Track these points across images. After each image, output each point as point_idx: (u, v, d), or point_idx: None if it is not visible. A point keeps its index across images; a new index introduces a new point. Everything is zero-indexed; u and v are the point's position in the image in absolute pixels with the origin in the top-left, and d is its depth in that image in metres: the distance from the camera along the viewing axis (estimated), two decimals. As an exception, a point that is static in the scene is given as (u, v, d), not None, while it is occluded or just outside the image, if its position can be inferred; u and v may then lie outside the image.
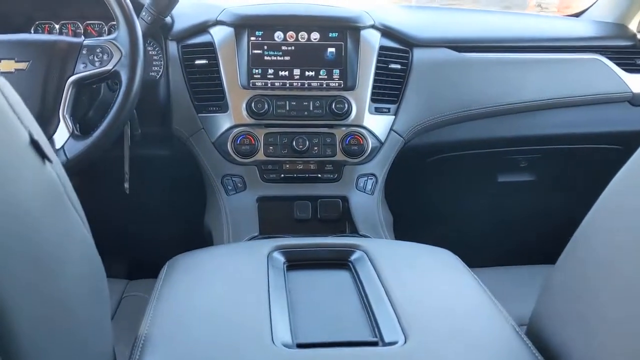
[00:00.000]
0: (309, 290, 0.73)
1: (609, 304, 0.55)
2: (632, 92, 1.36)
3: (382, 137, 1.24)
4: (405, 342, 0.61)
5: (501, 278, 1.10)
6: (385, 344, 0.62)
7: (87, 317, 0.51)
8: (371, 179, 1.22)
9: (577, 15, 1.64)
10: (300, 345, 0.61)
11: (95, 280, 0.55)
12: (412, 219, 1.42)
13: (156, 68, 1.23)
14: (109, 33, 1.27)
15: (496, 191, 1.50)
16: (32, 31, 1.27)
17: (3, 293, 0.37)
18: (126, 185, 1.18)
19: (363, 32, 1.25)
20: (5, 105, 0.44)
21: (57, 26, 1.27)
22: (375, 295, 0.70)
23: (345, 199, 1.18)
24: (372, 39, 1.26)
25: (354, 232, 1.13)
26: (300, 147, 1.20)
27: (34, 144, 0.46)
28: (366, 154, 1.22)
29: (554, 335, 0.62)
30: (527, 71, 1.34)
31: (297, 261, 0.78)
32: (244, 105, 1.20)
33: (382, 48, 1.26)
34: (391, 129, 1.25)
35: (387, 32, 1.28)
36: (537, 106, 1.34)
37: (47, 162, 0.48)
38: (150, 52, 1.23)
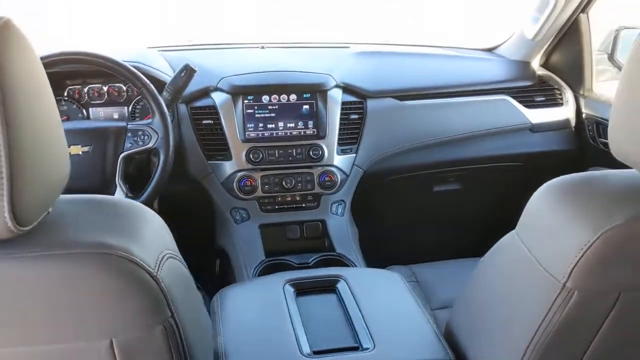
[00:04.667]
0: (313, 310, 1.12)
1: (505, 323, 0.91)
2: (531, 122, 1.81)
3: (347, 171, 1.66)
4: (374, 347, 1.01)
5: (437, 271, 1.54)
6: (362, 349, 1.01)
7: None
8: (341, 204, 1.65)
9: (491, 50, 2.07)
10: (316, 352, 1.01)
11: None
12: (374, 227, 1.85)
13: None
14: (126, 93, 1.62)
15: (432, 199, 1.95)
16: (65, 94, 1.61)
17: None
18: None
19: (330, 92, 1.66)
20: None
21: (85, 89, 1.62)
22: (353, 313, 1.10)
23: (323, 222, 1.61)
24: (336, 96, 1.66)
25: (332, 247, 1.55)
26: (288, 184, 1.61)
27: None
28: (337, 186, 1.64)
29: (465, 339, 1.04)
30: (452, 112, 1.78)
31: (302, 289, 1.19)
32: (243, 155, 1.60)
33: (344, 103, 1.67)
34: (353, 164, 1.68)
35: (346, 88, 1.69)
36: (461, 138, 1.79)
37: None
38: None
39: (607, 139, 1.70)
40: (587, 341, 0.83)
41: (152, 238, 0.69)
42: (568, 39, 1.83)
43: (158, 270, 0.67)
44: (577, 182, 0.84)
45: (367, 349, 1.02)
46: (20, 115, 0.54)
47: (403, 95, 1.75)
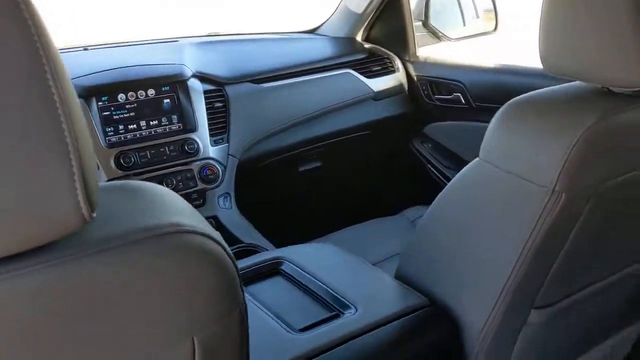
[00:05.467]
0: (271, 295, 1.06)
1: (486, 245, 0.95)
2: (374, 91, 1.92)
3: (224, 162, 1.58)
4: (356, 309, 0.99)
5: (347, 237, 1.56)
6: (346, 315, 0.98)
7: None
8: (227, 196, 1.56)
9: (313, 31, 2.14)
10: (304, 329, 0.95)
11: None
12: (265, 212, 1.78)
13: None
14: None
15: (299, 178, 1.96)
16: None
17: None
18: None
19: (188, 82, 1.55)
20: None
21: None
22: (315, 286, 1.05)
23: (215, 218, 1.51)
24: (196, 86, 1.57)
25: (237, 240, 1.46)
26: (170, 185, 1.47)
27: None
28: (219, 179, 1.54)
29: (420, 280, 1.08)
30: (303, 90, 1.80)
31: (245, 279, 1.10)
32: (112, 162, 1.41)
33: (205, 92, 1.58)
34: (228, 154, 1.60)
35: (203, 77, 1.60)
36: (316, 115, 1.82)
37: None
38: None
39: (442, 95, 1.90)
40: (565, 240, 0.92)
41: (194, 212, 0.58)
42: (389, 11, 1.98)
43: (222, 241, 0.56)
44: (536, 99, 0.92)
45: (350, 312, 0.99)
46: (69, 93, 0.44)
47: (258, 78, 1.72)
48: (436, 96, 1.92)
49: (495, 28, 2.04)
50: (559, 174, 0.83)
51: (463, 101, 1.82)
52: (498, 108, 1.80)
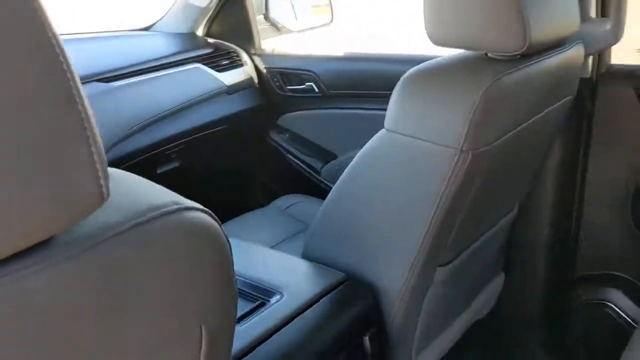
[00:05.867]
0: None
1: (398, 209, 1.01)
2: (226, 85, 1.89)
3: None
4: (282, 295, 0.97)
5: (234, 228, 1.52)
6: (272, 302, 0.96)
7: None
8: None
9: (148, 28, 2.05)
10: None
11: None
12: None
13: None
14: None
15: (158, 182, 1.84)
16: None
17: None
18: None
19: None
20: None
21: None
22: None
23: None
24: None
25: None
26: None
27: None
28: None
29: (332, 257, 1.09)
30: (157, 87, 1.71)
31: None
32: None
33: None
34: None
35: None
36: (173, 112, 1.74)
37: None
38: None
39: (294, 86, 1.93)
40: (469, 195, 1.00)
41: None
42: (230, 5, 1.96)
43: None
44: (431, 69, 0.99)
45: (277, 298, 0.97)
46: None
47: (106, 77, 1.59)
48: (288, 87, 1.95)
49: (332, 20, 2.13)
50: (465, 134, 0.90)
51: (316, 89, 1.87)
52: (352, 94, 1.89)
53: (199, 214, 0.48)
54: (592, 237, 1.54)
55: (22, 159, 0.37)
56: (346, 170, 1.07)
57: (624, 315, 1.53)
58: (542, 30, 0.94)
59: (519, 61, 0.97)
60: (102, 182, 0.41)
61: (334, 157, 1.88)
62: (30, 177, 0.37)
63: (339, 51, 1.88)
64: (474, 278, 1.34)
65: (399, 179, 1.00)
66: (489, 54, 1.01)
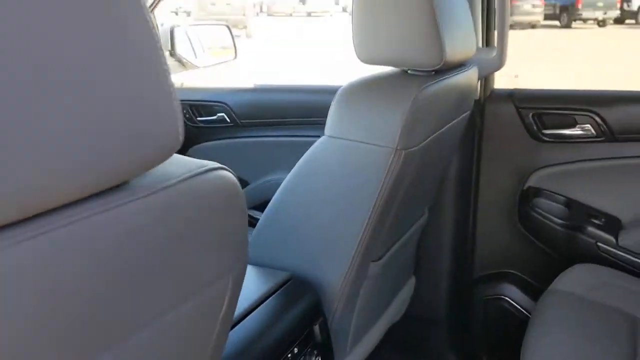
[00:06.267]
0: None
1: (341, 204, 1.11)
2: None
3: None
4: None
5: None
6: None
7: None
8: None
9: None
10: None
11: None
12: None
13: None
14: None
15: None
16: None
17: None
18: None
19: None
20: None
21: None
22: None
23: None
24: None
25: None
26: None
27: None
28: None
29: (275, 258, 1.17)
30: None
31: None
32: None
33: None
34: None
35: None
36: None
37: None
38: None
39: (205, 117, 2.00)
40: (401, 192, 1.14)
41: None
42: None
43: None
44: (366, 82, 1.13)
45: None
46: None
47: None
48: (199, 118, 2.01)
49: (235, 56, 2.25)
50: (399, 135, 1.04)
51: (228, 120, 1.96)
52: (262, 123, 2.00)
53: (230, 174, 0.56)
54: (487, 240, 1.74)
55: (119, 106, 0.41)
56: (288, 176, 1.17)
57: (518, 307, 1.74)
58: (453, 50, 1.11)
59: (433, 77, 1.14)
60: (179, 129, 0.46)
61: (246, 184, 1.96)
62: (120, 122, 0.41)
63: (249, 83, 1.99)
64: (395, 276, 1.47)
65: (339, 180, 1.11)
66: (409, 71, 1.17)
